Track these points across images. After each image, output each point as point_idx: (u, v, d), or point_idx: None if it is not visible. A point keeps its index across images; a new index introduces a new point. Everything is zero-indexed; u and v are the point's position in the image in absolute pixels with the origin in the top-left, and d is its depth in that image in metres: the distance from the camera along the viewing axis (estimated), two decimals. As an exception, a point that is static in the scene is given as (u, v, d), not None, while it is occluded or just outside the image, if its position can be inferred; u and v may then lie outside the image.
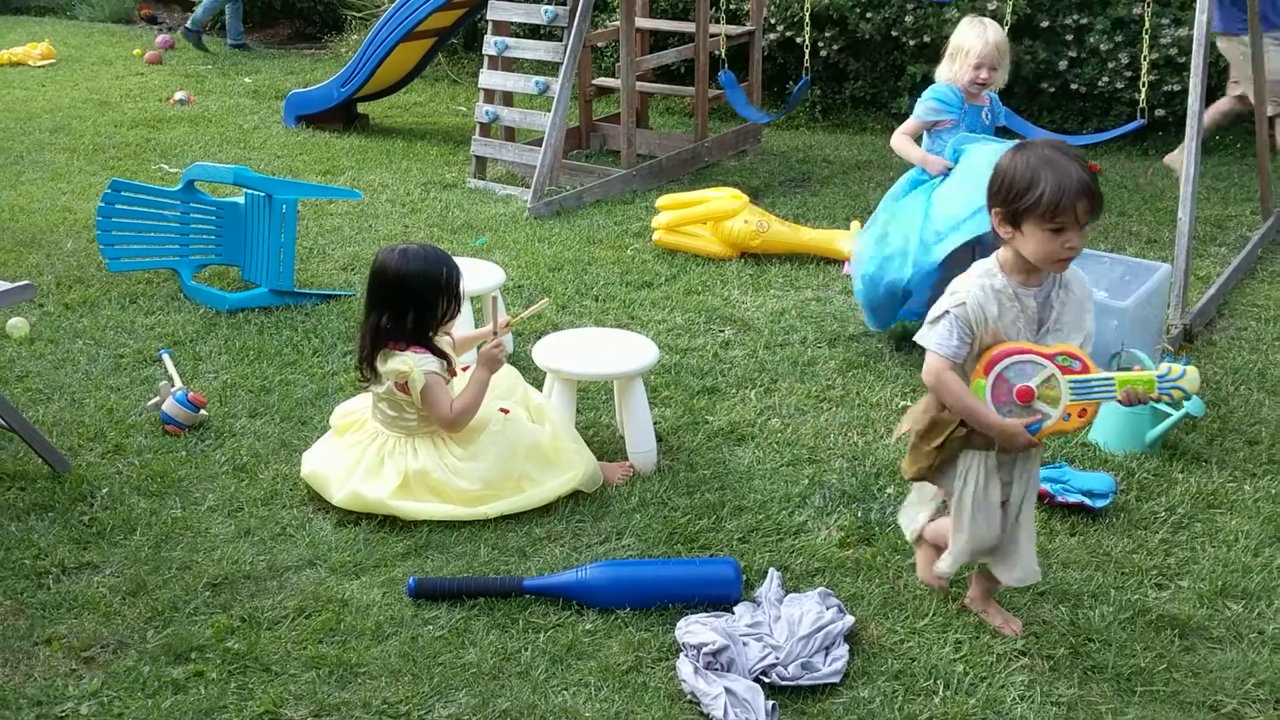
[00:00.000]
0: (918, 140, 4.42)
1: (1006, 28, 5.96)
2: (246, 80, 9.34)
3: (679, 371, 4.15)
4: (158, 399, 3.77)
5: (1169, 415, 3.53)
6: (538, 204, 6.00)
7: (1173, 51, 7.05)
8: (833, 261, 5.27)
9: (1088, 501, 3.23)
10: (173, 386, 3.81)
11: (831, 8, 7.75)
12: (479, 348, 3.76)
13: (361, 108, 8.02)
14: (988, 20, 4.31)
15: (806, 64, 6.65)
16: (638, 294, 4.90)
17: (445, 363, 3.28)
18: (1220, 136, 7.35)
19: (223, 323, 4.55)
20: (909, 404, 3.91)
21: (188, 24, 10.40)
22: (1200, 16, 4.47)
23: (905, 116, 8.83)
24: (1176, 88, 6.98)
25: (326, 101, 7.64)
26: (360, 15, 10.30)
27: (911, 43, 7.63)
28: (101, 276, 4.98)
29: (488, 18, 6.59)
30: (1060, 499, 3.24)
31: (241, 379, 4.07)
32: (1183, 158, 4.54)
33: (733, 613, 2.80)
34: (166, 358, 4.12)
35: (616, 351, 3.54)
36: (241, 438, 3.68)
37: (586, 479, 3.32)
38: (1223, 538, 3.17)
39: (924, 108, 4.36)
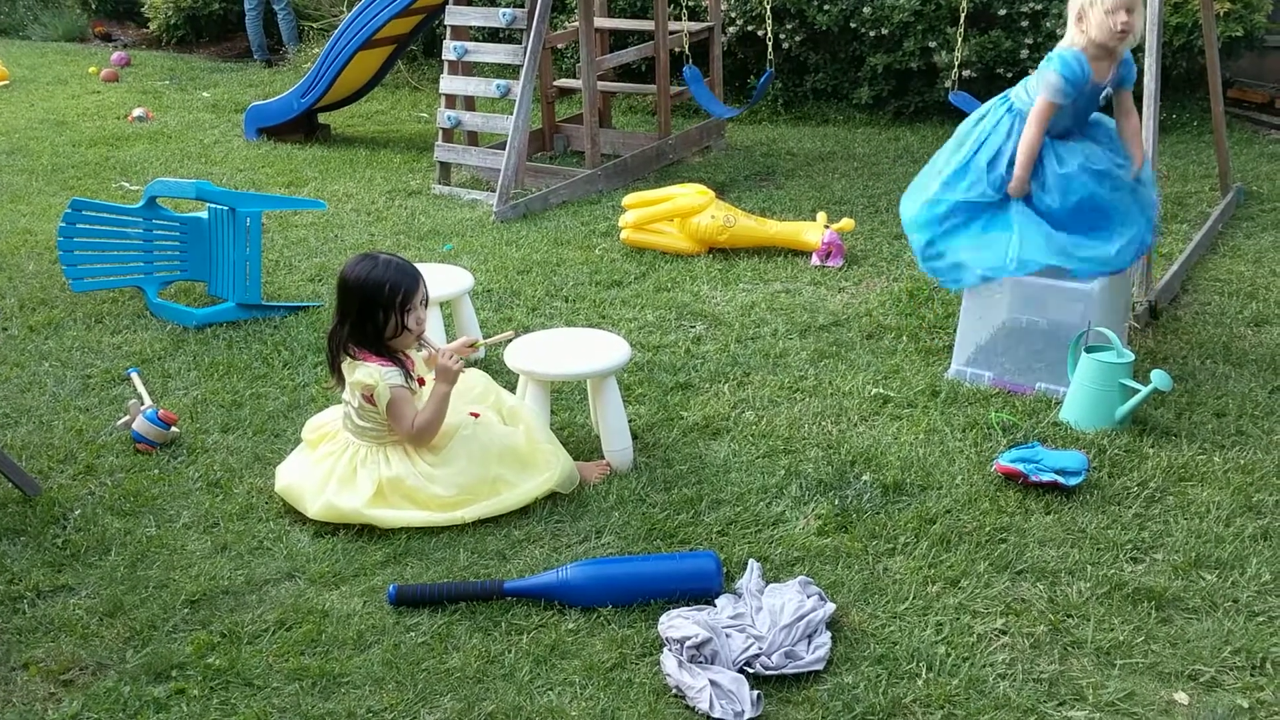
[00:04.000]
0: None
1: (964, 16, 6.03)
2: (205, 95, 9.27)
3: (652, 369, 4.16)
4: (128, 418, 3.73)
5: (1138, 392, 3.57)
6: (504, 207, 5.99)
7: (1127, 33, 7.12)
8: (800, 253, 5.29)
9: (1061, 480, 3.26)
10: (142, 405, 3.78)
11: (789, 1, 7.79)
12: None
13: (323, 118, 7.99)
14: None
15: (770, 56, 6.68)
16: (607, 293, 4.90)
17: (406, 372, 3.27)
18: (1177, 115, 7.44)
19: (191, 339, 4.52)
20: (881, 391, 3.94)
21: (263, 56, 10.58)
22: (1152, -3, 4.52)
23: (866, 107, 8.79)
24: (1132, 68, 7.05)
25: (287, 113, 7.60)
26: (318, 26, 10.25)
27: (871, 34, 7.68)
28: (65, 297, 4.93)
29: (446, 23, 6.58)
30: (1034, 478, 3.27)
31: (212, 394, 4.04)
32: None
33: (714, 605, 2.80)
34: (135, 376, 4.09)
35: (588, 351, 3.53)
36: (214, 453, 3.65)
37: (563, 479, 3.32)
38: (1194, 509, 3.21)
39: (1054, 88, 3.67)
